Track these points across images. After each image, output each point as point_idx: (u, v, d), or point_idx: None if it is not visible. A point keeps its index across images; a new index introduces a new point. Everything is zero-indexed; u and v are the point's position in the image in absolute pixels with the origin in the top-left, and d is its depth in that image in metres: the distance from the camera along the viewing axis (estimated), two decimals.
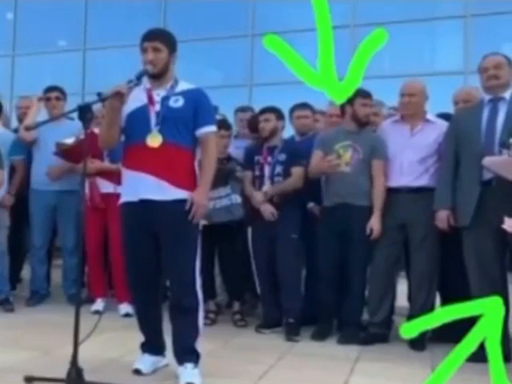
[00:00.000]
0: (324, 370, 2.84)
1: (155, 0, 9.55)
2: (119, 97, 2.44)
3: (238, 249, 3.87)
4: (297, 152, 3.64)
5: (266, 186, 3.58)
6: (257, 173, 3.66)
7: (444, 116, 3.57)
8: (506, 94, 2.98)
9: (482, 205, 2.90)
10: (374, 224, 3.32)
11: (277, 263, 3.53)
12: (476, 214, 2.92)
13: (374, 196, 3.37)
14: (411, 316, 3.28)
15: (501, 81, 2.99)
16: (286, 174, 3.58)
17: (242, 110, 4.78)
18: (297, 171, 3.56)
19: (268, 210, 3.52)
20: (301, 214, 3.63)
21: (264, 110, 3.72)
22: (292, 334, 3.39)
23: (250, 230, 3.72)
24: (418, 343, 3.19)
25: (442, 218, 3.10)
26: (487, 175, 2.89)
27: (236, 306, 3.86)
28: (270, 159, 3.63)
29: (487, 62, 3.04)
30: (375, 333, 3.36)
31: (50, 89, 4.40)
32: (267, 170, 3.62)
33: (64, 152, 4.02)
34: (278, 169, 3.60)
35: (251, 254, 3.71)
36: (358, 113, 3.42)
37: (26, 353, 2.93)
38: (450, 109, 3.69)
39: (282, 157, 3.60)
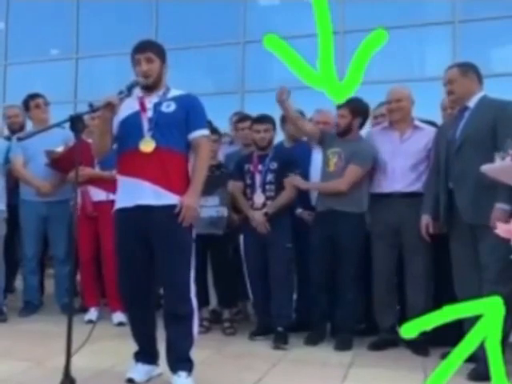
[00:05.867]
0: (317, 376, 2.85)
1: (147, 8, 9.57)
2: (110, 107, 2.47)
3: (229, 257, 3.87)
4: (289, 161, 3.63)
5: (257, 195, 3.58)
6: (248, 181, 3.65)
7: (428, 123, 3.61)
8: (471, 103, 3.00)
9: (450, 211, 2.98)
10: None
11: (269, 272, 3.52)
12: (446, 220, 3.02)
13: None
14: (405, 319, 3.30)
15: (454, 96, 3.04)
16: (278, 182, 3.57)
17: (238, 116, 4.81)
18: (289, 181, 3.55)
19: (262, 224, 3.51)
20: (291, 222, 3.64)
21: (262, 120, 3.66)
22: (280, 342, 3.38)
23: (241, 237, 3.72)
24: (422, 348, 3.21)
25: (423, 223, 3.17)
26: (451, 185, 2.97)
27: (226, 313, 3.86)
28: (260, 167, 3.61)
29: (443, 78, 3.09)
30: (385, 338, 3.38)
31: (35, 96, 4.34)
32: (258, 179, 3.60)
33: (54, 161, 4.01)
34: (270, 177, 3.59)
35: (243, 261, 3.68)
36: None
37: (19, 363, 2.92)
38: (439, 114, 3.73)
39: (274, 165, 3.60)
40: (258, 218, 3.51)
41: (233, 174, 3.77)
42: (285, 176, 3.56)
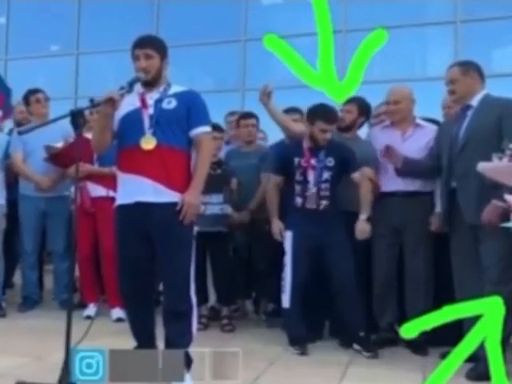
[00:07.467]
0: (316, 375, 2.85)
1: (148, 5, 9.56)
2: (111, 103, 2.46)
3: (228, 254, 3.87)
4: (348, 157, 3.33)
5: (311, 195, 3.29)
6: (298, 177, 3.31)
7: (430, 121, 3.62)
8: (474, 101, 2.98)
9: (452, 211, 2.99)
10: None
11: (333, 276, 3.25)
12: (447, 220, 3.03)
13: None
14: (404, 318, 3.30)
15: (456, 95, 3.03)
16: (334, 181, 3.31)
17: (232, 114, 4.80)
18: (363, 175, 3.31)
19: (277, 229, 3.38)
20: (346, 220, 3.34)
21: (333, 120, 3.32)
22: (369, 349, 3.18)
23: (289, 235, 3.35)
24: (421, 348, 3.21)
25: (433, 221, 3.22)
26: (454, 184, 2.98)
27: (224, 311, 3.85)
28: (313, 162, 3.31)
29: (445, 77, 3.08)
30: (384, 337, 3.39)
31: (35, 90, 4.33)
32: (312, 176, 3.29)
33: (54, 156, 4.01)
34: (326, 175, 3.29)
35: (289, 262, 3.30)
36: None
37: (17, 358, 2.92)
38: (441, 114, 3.73)
39: (331, 161, 3.30)
40: (276, 229, 3.38)
41: (274, 166, 3.49)
42: (346, 174, 3.33)
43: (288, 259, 3.30)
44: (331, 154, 3.31)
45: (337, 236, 3.25)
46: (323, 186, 3.29)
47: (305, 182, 3.30)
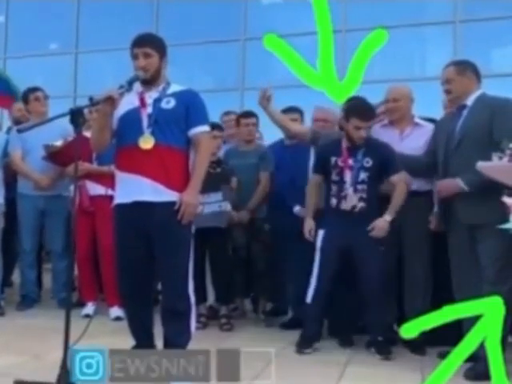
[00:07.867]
0: (314, 374, 2.85)
1: (148, 4, 9.56)
2: (110, 102, 2.46)
3: (227, 253, 3.87)
4: (387, 158, 3.21)
5: (350, 196, 3.18)
6: (334, 177, 3.23)
7: (429, 121, 3.62)
8: (469, 101, 2.98)
9: (448, 210, 3.00)
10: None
11: (361, 277, 3.18)
12: (444, 219, 3.05)
13: None
14: (404, 319, 3.30)
15: (452, 95, 3.03)
16: (372, 182, 3.20)
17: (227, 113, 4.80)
18: (400, 178, 3.19)
19: (308, 228, 3.31)
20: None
21: (369, 117, 3.23)
22: (384, 352, 3.12)
23: (321, 233, 3.28)
24: (419, 347, 3.21)
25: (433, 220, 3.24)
26: None
27: (223, 309, 3.85)
28: (351, 162, 3.21)
29: (441, 77, 3.08)
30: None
31: (34, 89, 4.32)
32: (348, 176, 3.19)
33: (52, 155, 4.01)
34: (363, 175, 3.18)
35: (317, 260, 3.25)
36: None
37: (16, 357, 2.92)
38: (440, 113, 3.73)
39: (368, 162, 3.19)
40: (307, 228, 3.32)
41: (314, 165, 3.43)
42: (385, 176, 3.22)
43: (317, 257, 3.25)
44: (369, 154, 3.21)
45: (369, 239, 3.16)
46: (360, 187, 3.19)
47: (341, 182, 3.22)
